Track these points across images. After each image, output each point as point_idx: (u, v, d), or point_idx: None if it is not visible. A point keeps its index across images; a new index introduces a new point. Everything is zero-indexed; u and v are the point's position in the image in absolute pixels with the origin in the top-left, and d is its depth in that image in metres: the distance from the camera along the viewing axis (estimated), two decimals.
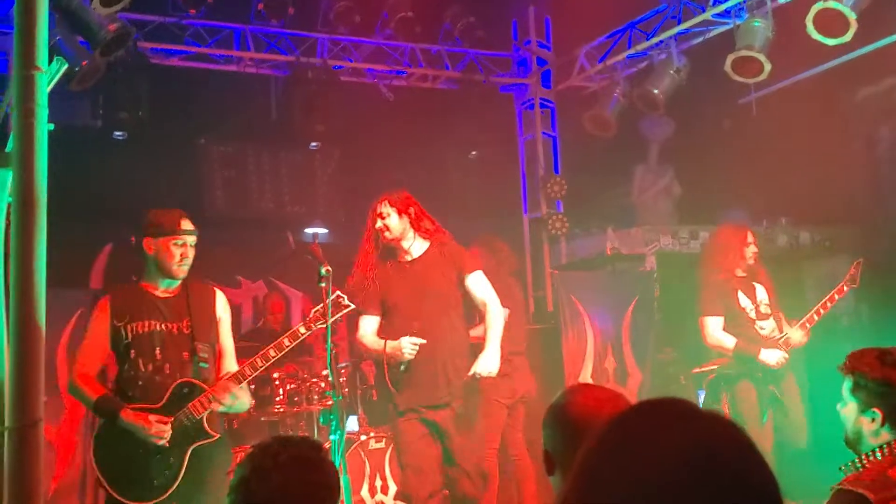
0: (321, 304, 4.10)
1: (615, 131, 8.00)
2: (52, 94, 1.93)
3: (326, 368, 4.06)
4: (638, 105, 7.63)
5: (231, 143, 8.42)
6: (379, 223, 4.71)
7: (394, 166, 8.36)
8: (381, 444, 6.41)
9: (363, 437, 6.33)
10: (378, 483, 6.37)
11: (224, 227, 8.37)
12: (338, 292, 4.17)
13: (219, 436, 3.99)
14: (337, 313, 4.13)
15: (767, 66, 6.38)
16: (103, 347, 3.97)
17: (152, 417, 3.82)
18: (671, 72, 7.25)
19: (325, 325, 4.06)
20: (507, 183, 9.06)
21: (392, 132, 8.25)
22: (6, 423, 1.84)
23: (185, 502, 3.85)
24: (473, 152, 8.45)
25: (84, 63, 4.96)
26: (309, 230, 8.98)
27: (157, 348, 3.93)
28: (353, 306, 4.22)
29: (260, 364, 4.01)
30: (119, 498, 3.81)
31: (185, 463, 3.85)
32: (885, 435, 2.73)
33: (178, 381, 3.91)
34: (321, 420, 3.85)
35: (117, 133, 7.06)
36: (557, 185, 8.62)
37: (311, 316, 4.12)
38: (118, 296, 4.05)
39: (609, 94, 7.95)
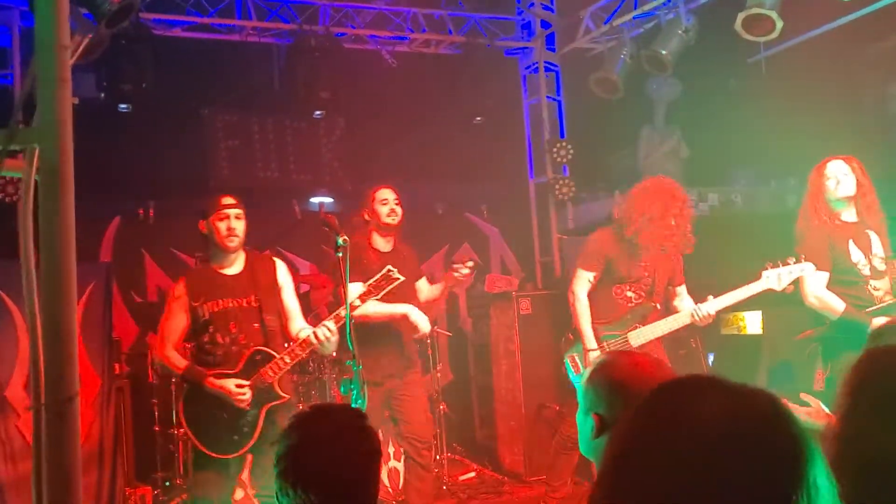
0: (376, 277, 4.51)
1: (622, 93, 7.93)
2: None
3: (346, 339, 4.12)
4: (645, 66, 7.54)
5: (235, 113, 8.38)
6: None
7: (398, 133, 8.33)
8: None
9: None
10: (391, 450, 6.41)
11: None
12: (388, 266, 4.56)
13: (289, 398, 4.54)
14: (387, 286, 4.50)
15: (779, 24, 6.27)
16: (184, 325, 4.54)
17: (233, 382, 4.37)
18: (679, 32, 7.15)
19: (376, 297, 4.51)
20: (512, 148, 9.02)
21: (396, 99, 8.20)
22: (42, 400, 1.84)
23: (261, 456, 4.39)
24: (478, 118, 8.39)
25: (89, 36, 4.91)
26: (315, 199, 8.96)
27: (232, 322, 4.49)
28: (402, 279, 4.55)
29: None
30: (206, 451, 4.41)
31: (261, 422, 4.41)
32: None
33: (253, 349, 4.45)
34: (342, 390, 3.89)
35: (122, 105, 7.01)
36: (563, 149, 8.58)
37: (365, 289, 4.53)
38: (192, 279, 4.60)
39: (615, 56, 7.87)
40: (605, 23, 8.06)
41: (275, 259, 4.78)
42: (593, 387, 2.10)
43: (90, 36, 2.24)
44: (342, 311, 4.41)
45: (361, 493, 2.13)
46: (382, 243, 5.35)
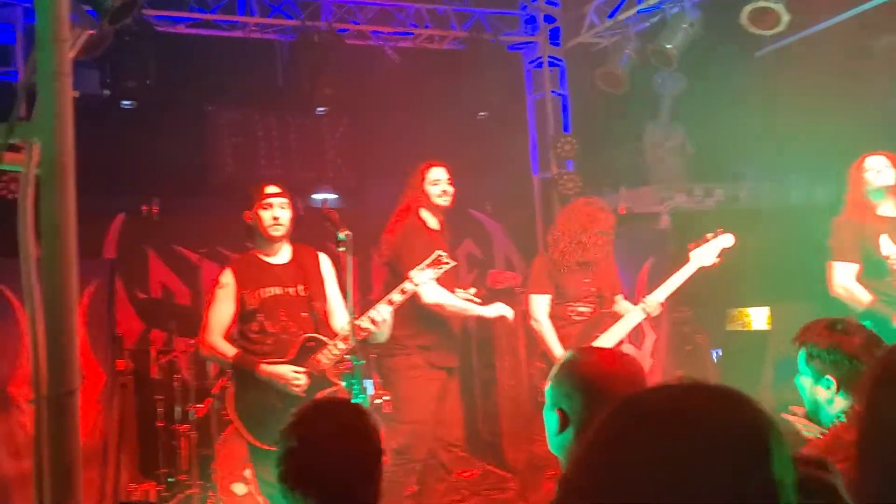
0: (427, 261, 4.39)
1: (627, 88, 7.90)
2: None
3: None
4: (651, 61, 7.51)
5: (238, 110, 8.37)
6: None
7: (402, 129, 8.30)
8: None
9: (377, 401, 6.37)
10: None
11: (234, 194, 8.33)
12: (438, 251, 4.44)
13: (342, 384, 4.36)
14: (439, 269, 4.38)
15: (785, 18, 6.24)
16: (231, 313, 4.40)
17: (289, 368, 4.24)
18: (684, 26, 7.12)
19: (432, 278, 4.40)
20: (516, 143, 8.99)
21: (399, 94, 8.18)
22: (43, 393, 1.83)
23: None
24: (482, 113, 8.37)
25: (91, 32, 4.91)
26: (318, 196, 8.94)
27: (282, 311, 4.38)
28: (453, 264, 4.45)
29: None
30: (255, 442, 4.24)
31: None
32: (841, 401, 2.74)
33: (305, 336, 4.32)
34: (344, 384, 3.86)
35: (125, 102, 7.00)
36: (568, 144, 8.55)
37: (414, 274, 4.39)
38: (240, 267, 4.47)
39: (620, 51, 7.83)
40: (610, 17, 8.03)
41: (318, 252, 4.68)
42: (556, 382, 2.13)
43: (90, 32, 2.23)
44: (395, 296, 4.34)
45: (364, 494, 2.09)
46: (434, 222, 5.12)
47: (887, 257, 4.80)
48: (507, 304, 7.31)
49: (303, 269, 4.46)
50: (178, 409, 6.28)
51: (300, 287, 4.43)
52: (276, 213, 4.41)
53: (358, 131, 8.76)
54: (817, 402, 2.80)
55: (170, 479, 6.42)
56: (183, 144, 7.67)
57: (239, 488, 5.72)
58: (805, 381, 2.87)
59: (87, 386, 5.82)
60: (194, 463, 6.08)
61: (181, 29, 7.52)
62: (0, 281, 5.51)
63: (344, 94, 7.79)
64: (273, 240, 4.42)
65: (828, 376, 2.76)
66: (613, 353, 2.20)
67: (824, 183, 8.25)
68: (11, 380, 5.56)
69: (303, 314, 4.41)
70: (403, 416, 4.93)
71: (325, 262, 4.62)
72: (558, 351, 5.33)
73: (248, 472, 5.27)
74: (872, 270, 4.83)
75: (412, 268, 4.52)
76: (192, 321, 6.49)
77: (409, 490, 4.85)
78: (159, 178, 7.52)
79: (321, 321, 4.44)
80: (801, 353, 2.88)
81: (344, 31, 7.92)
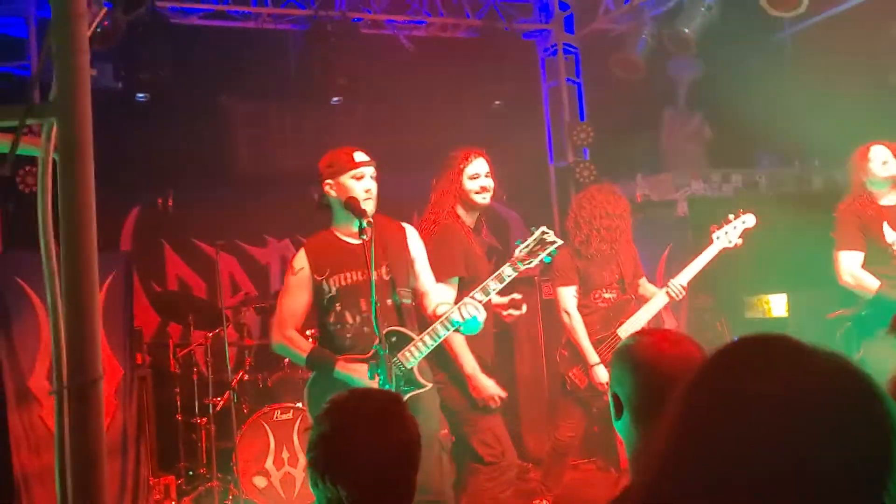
0: (528, 242, 3.93)
1: (644, 73, 7.81)
2: None
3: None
4: (668, 46, 7.42)
5: (253, 101, 8.33)
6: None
7: (417, 118, 8.25)
8: None
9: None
10: None
11: (249, 186, 8.30)
12: (543, 227, 3.96)
13: (431, 385, 3.92)
14: (542, 252, 3.91)
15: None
16: (305, 303, 3.94)
17: (367, 368, 3.78)
18: (702, 9, 7.02)
19: (530, 265, 3.93)
20: (531, 132, 8.92)
21: (414, 84, 8.12)
22: (65, 383, 1.79)
23: None
24: (497, 102, 8.30)
25: (105, 22, 4.88)
26: None
27: (363, 298, 3.86)
28: (560, 241, 4.00)
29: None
30: None
31: None
32: None
33: (387, 330, 3.79)
34: (368, 375, 3.76)
35: (139, 95, 6.98)
36: (584, 132, 8.49)
37: (516, 255, 3.93)
38: (315, 248, 3.98)
39: (636, 36, 7.75)
40: (626, 2, 7.94)
41: (404, 225, 4.12)
42: (612, 367, 2.10)
43: (104, 12, 2.18)
44: (491, 284, 3.86)
45: (396, 486, 2.00)
46: (469, 219, 4.53)
47: (891, 244, 4.89)
48: (525, 292, 7.29)
49: (385, 248, 3.90)
50: (196, 403, 6.27)
51: (383, 269, 3.89)
52: (368, 184, 3.87)
53: (372, 121, 8.70)
54: None
55: (190, 473, 6.42)
56: (197, 136, 7.65)
57: (260, 481, 5.70)
58: None
59: (105, 380, 5.79)
60: (214, 456, 6.06)
61: (194, 20, 7.49)
62: (19, 276, 5.49)
63: (358, 83, 7.74)
64: (364, 216, 3.81)
65: None
66: (667, 334, 2.12)
67: (844, 168, 8.14)
68: (31, 374, 5.54)
69: (387, 301, 3.89)
70: (481, 423, 4.38)
71: (413, 238, 4.05)
72: (586, 342, 5.28)
73: (268, 465, 5.25)
74: (877, 258, 4.90)
75: (446, 275, 4.10)
76: (209, 314, 6.49)
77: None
78: (174, 170, 7.48)
79: (407, 309, 3.95)
80: None
81: (357, 20, 7.86)
